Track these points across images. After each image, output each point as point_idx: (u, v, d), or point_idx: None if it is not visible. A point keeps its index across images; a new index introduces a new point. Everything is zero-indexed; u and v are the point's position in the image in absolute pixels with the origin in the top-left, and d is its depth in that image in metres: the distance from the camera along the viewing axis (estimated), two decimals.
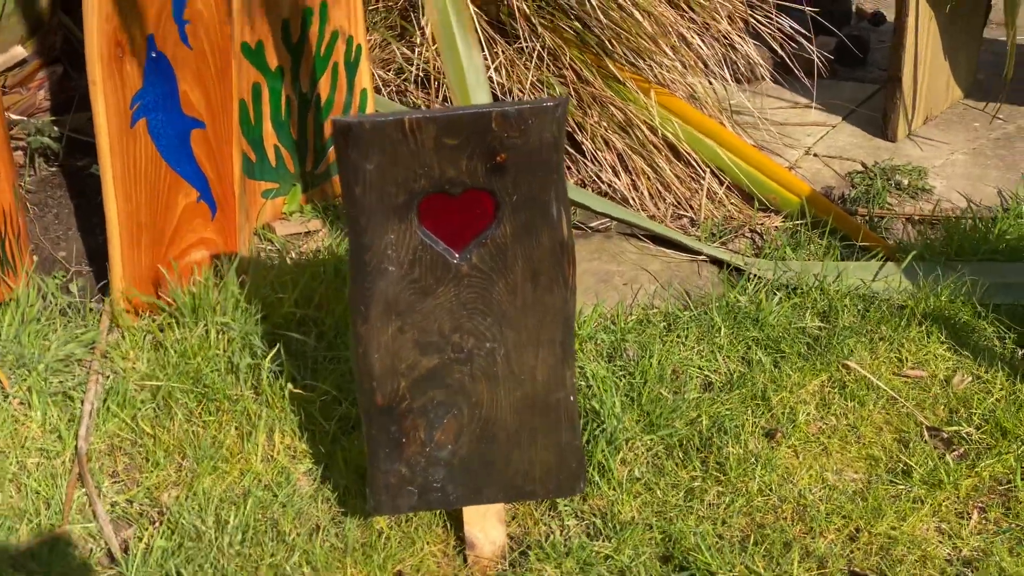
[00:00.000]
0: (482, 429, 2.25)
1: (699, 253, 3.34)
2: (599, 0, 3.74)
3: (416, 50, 3.89)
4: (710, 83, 3.94)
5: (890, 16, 4.65)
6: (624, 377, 2.77)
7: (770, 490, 2.45)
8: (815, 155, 3.93)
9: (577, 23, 3.80)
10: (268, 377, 2.67)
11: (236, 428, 2.59)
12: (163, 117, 2.98)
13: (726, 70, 3.92)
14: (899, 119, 3.93)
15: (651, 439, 2.57)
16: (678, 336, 2.91)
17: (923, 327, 2.92)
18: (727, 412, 2.65)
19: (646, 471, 2.51)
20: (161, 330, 2.87)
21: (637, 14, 3.71)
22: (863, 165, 3.85)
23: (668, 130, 3.70)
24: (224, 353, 2.74)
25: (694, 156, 3.70)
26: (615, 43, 3.80)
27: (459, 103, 3.10)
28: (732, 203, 3.69)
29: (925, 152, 3.93)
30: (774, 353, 2.85)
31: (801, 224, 3.45)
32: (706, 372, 2.79)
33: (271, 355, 2.70)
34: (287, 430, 2.59)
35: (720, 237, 3.50)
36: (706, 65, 3.85)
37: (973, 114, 4.18)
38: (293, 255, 3.32)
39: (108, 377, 2.72)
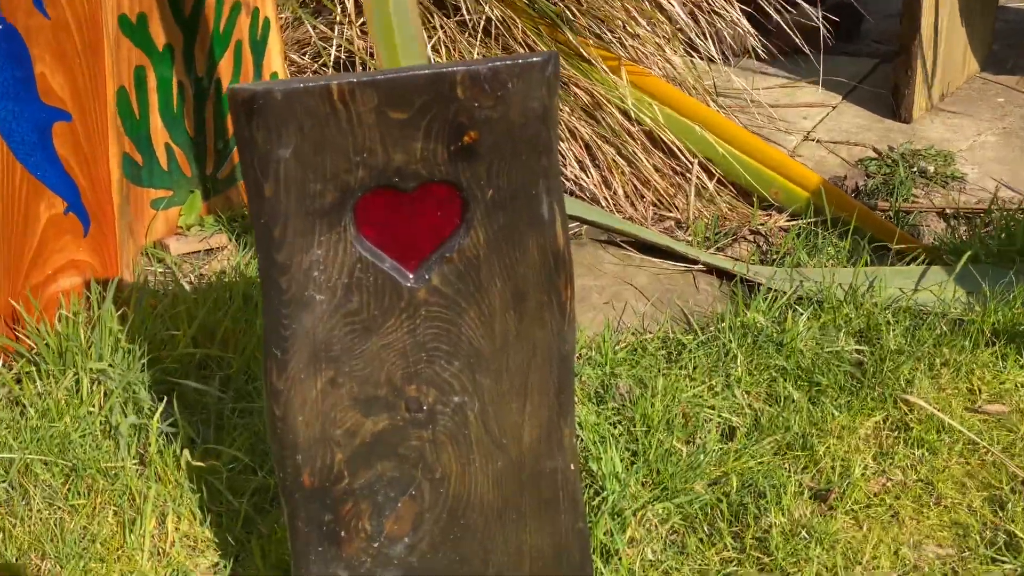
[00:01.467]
0: (450, 514, 1.68)
1: (694, 262, 2.80)
2: None
3: (336, 28, 3.31)
4: (691, 58, 3.40)
5: None
6: (620, 424, 2.22)
7: (833, 575, 1.89)
8: (817, 140, 3.41)
9: None
10: (158, 442, 2.08)
11: (115, 513, 2.00)
12: (15, 107, 2.41)
13: (710, 43, 3.38)
14: (914, 96, 3.43)
15: (665, 508, 2.02)
16: (683, 368, 2.36)
17: (995, 348, 2.38)
18: (760, 468, 2.10)
19: (663, 552, 1.96)
20: (18, 382, 2.26)
21: None
22: (875, 150, 3.33)
23: (645, 114, 3.15)
24: (100, 411, 2.15)
25: (678, 145, 3.16)
26: (577, 12, 3.24)
27: None
28: (725, 200, 3.15)
29: (947, 133, 3.42)
30: (808, 387, 2.31)
31: (813, 223, 2.91)
32: (725, 414, 2.23)
33: (160, 410, 2.11)
34: (184, 513, 2.00)
35: (715, 242, 2.95)
36: (687, 37, 3.31)
37: (994, 88, 3.68)
38: (191, 279, 2.73)
39: None
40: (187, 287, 2.67)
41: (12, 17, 2.33)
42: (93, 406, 2.21)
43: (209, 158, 3.03)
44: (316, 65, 3.38)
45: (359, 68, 3.28)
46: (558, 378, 1.68)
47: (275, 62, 3.08)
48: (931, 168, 3.19)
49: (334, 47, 3.29)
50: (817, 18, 3.36)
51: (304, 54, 3.44)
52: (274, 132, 1.52)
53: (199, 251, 2.95)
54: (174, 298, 2.52)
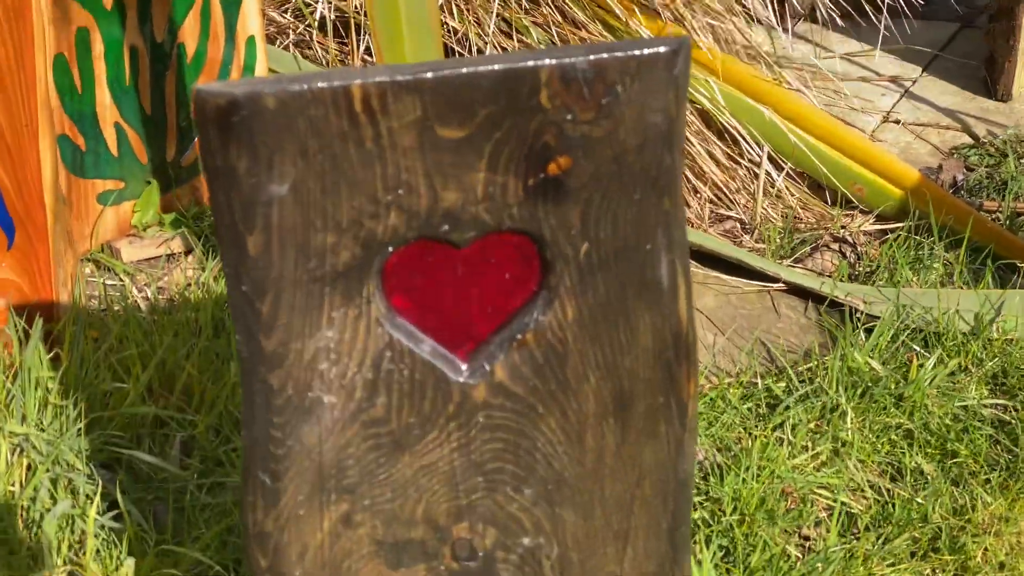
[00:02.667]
0: None
1: (772, 279, 2.30)
2: None
3: None
4: (748, 22, 2.90)
5: None
6: (704, 506, 1.72)
7: None
8: (898, 122, 2.90)
9: None
10: (100, 542, 1.57)
11: None
12: None
13: (768, 5, 2.88)
14: (1015, 69, 2.92)
15: None
16: (776, 428, 1.86)
17: None
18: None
19: None
20: None
21: None
22: (972, 136, 2.84)
23: (701, 93, 2.64)
24: (19, 496, 1.64)
25: (740, 130, 2.65)
26: None
27: (390, 58, 2.02)
28: (797, 197, 2.65)
29: None
30: (941, 457, 1.81)
31: (911, 229, 2.42)
32: (837, 495, 1.74)
33: (99, 494, 1.61)
34: None
35: (791, 251, 2.45)
36: None
37: None
38: (148, 294, 2.22)
39: None
40: (142, 309, 2.16)
41: None
42: (13, 483, 1.70)
43: (170, 141, 2.52)
44: (301, 26, 2.87)
45: (354, 33, 2.77)
46: (674, 512, 1.19)
47: (252, 24, 2.57)
48: None
49: (321, 4, 2.77)
50: None
51: (284, 11, 2.93)
52: (263, 159, 1.02)
53: (158, 257, 2.44)
54: (124, 327, 2.01)
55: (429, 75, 1.02)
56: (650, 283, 1.12)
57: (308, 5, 2.87)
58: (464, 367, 1.12)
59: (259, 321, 1.07)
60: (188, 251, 2.48)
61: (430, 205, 1.05)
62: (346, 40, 2.82)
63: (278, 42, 2.85)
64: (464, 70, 1.02)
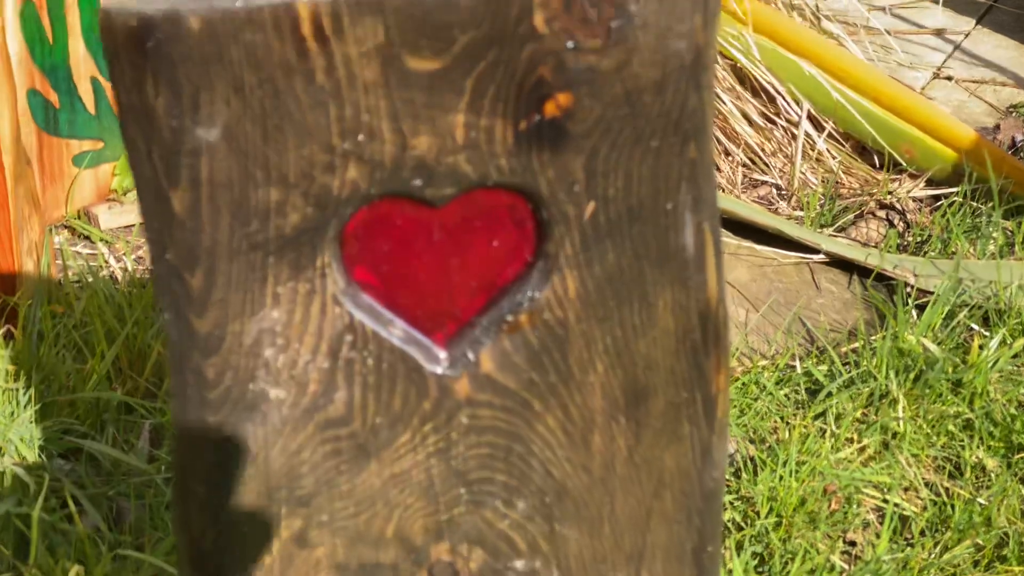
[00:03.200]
0: None
1: (812, 250, 2.09)
2: None
3: None
4: None
5: None
6: (735, 506, 1.52)
7: None
8: (950, 79, 2.68)
9: None
10: (42, 543, 1.39)
11: None
12: None
13: None
14: None
15: None
16: (818, 417, 1.66)
17: None
18: None
19: None
20: None
21: None
22: None
23: (734, 45, 2.43)
24: None
25: (777, 86, 2.44)
26: None
27: None
28: (839, 160, 2.43)
29: None
30: (1006, 451, 1.61)
31: (967, 195, 2.21)
32: (887, 495, 1.54)
33: (43, 489, 1.43)
34: None
35: (832, 219, 2.24)
36: None
37: None
38: (126, 265, 2.03)
39: None
40: (118, 280, 1.98)
41: None
42: None
43: None
44: None
45: None
46: (699, 530, 0.99)
47: None
48: None
49: None
50: None
51: None
52: (187, 97, 0.83)
53: (136, 224, 2.26)
54: (90, 302, 1.82)
55: None
56: (672, 251, 0.92)
57: None
58: (443, 355, 0.92)
59: (189, 297, 0.88)
60: None
61: (398, 154, 0.86)
62: None
63: None
64: None
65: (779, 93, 2.46)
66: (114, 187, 2.34)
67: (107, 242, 2.22)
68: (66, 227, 2.27)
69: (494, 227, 0.90)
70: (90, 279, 1.96)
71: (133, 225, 2.27)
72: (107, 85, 2.25)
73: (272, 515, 0.94)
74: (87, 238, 2.24)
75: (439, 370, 0.92)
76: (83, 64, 2.23)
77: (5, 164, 1.87)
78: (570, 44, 0.84)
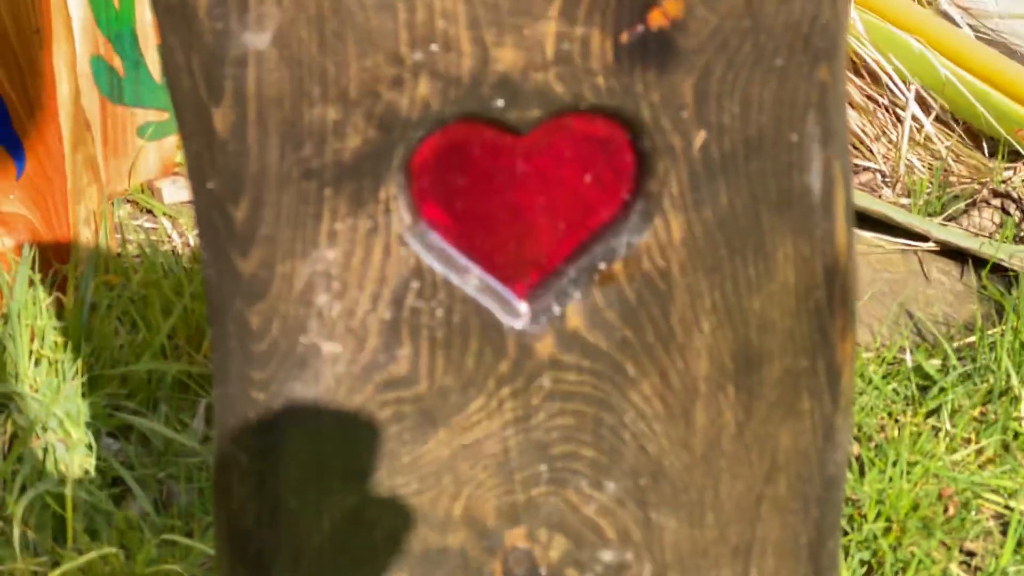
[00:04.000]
0: None
1: (921, 238, 1.95)
2: None
3: None
4: None
5: None
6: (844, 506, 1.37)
7: None
8: None
9: None
10: (81, 532, 1.29)
11: None
12: None
13: None
14: None
15: None
16: (932, 414, 1.52)
17: None
18: None
19: None
20: None
21: None
22: None
23: None
24: (5, 459, 1.37)
25: (884, 64, 2.29)
26: None
27: None
28: (948, 146, 2.28)
29: None
30: None
31: None
32: (1010, 501, 1.39)
33: (92, 469, 1.34)
34: None
35: (942, 207, 2.10)
36: None
37: None
38: (189, 240, 1.94)
39: None
40: (180, 252, 1.88)
41: None
42: None
43: None
44: None
45: None
46: (817, 521, 0.86)
47: None
48: None
49: None
50: None
51: None
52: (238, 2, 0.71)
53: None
54: (148, 275, 1.73)
55: None
56: (795, 193, 0.79)
57: None
58: (524, 309, 0.80)
59: (232, 232, 0.76)
60: None
61: (477, 68, 0.74)
62: None
63: None
64: None
65: (884, 72, 2.31)
66: (179, 161, 2.25)
67: (170, 216, 2.13)
68: (129, 201, 2.18)
69: (587, 159, 0.78)
70: (149, 252, 1.86)
71: None
72: None
73: (324, 489, 0.82)
74: (150, 212, 2.15)
75: (519, 325, 0.80)
76: (150, 32, 2.14)
77: (64, 129, 1.78)
78: None
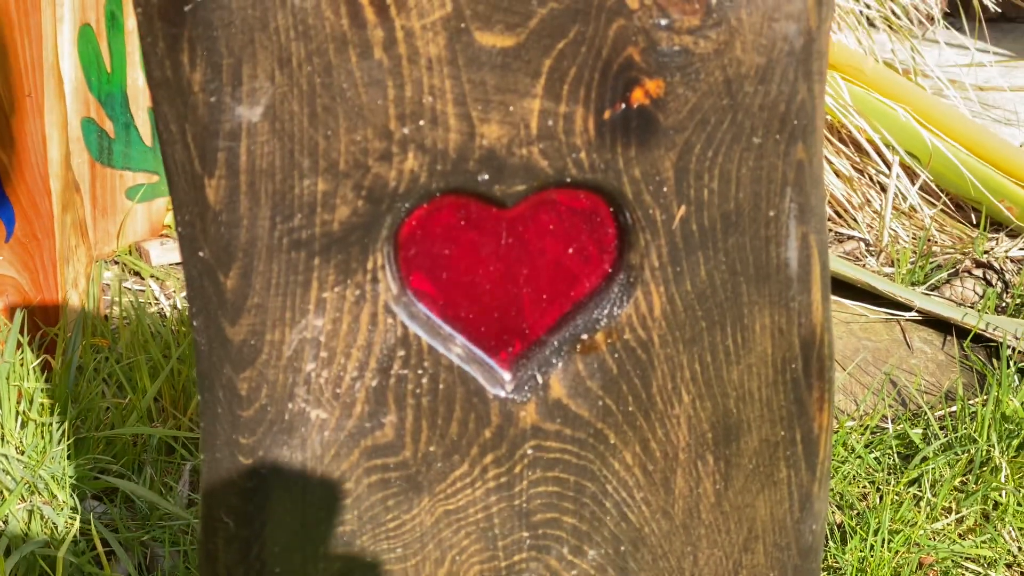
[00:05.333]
0: None
1: (904, 307, 1.97)
2: None
3: None
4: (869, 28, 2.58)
5: None
6: None
7: None
8: None
9: None
10: None
11: None
12: None
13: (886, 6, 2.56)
14: None
15: None
16: (911, 483, 1.54)
17: None
18: None
19: None
20: None
21: None
22: None
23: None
24: None
25: (869, 132, 2.33)
26: None
27: None
28: (932, 216, 2.32)
29: None
30: None
31: None
32: (990, 571, 1.41)
33: (72, 531, 1.34)
34: None
35: (925, 276, 2.13)
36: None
37: None
38: (177, 303, 1.95)
39: None
40: (167, 316, 1.89)
41: None
42: None
43: None
44: None
45: None
46: None
47: None
48: None
49: None
50: None
51: None
52: (228, 70, 0.73)
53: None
54: (135, 336, 1.74)
55: None
56: (773, 266, 0.81)
57: None
58: (507, 377, 0.82)
59: (223, 300, 0.78)
60: None
61: (464, 143, 0.76)
62: None
63: None
64: None
65: (870, 141, 2.35)
66: (167, 223, 2.27)
67: (157, 278, 2.15)
68: (116, 262, 2.20)
69: (570, 232, 0.80)
70: (136, 314, 1.88)
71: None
72: None
73: (309, 555, 0.84)
74: (137, 274, 2.17)
75: (503, 394, 0.82)
76: (141, 94, 2.17)
77: (53, 191, 1.80)
78: (663, 21, 0.75)
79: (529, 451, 0.83)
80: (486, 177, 0.77)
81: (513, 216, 0.79)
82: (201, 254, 0.78)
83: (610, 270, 0.81)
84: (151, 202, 2.25)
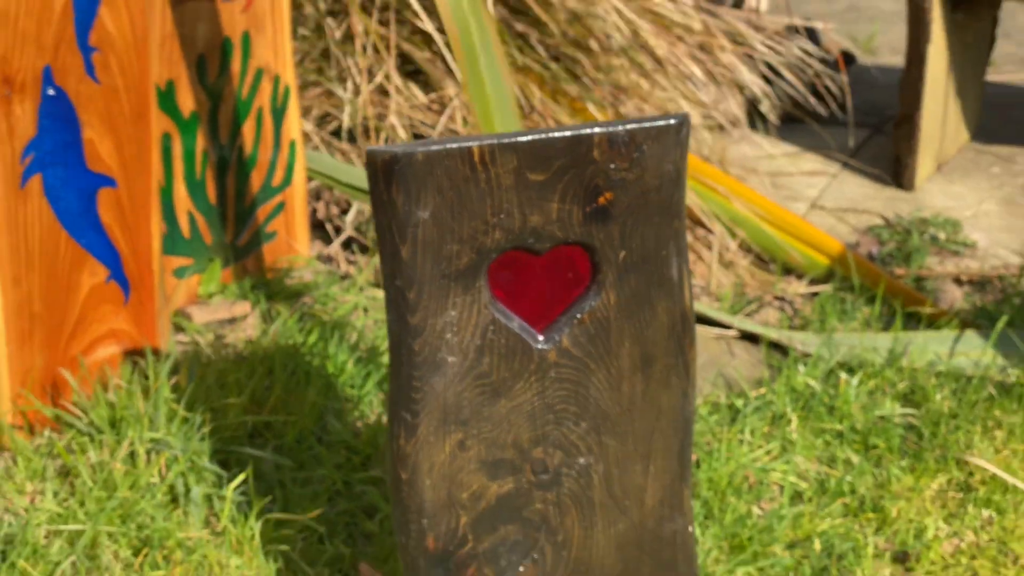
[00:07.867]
0: None
1: (727, 327, 2.83)
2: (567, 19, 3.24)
3: (347, 91, 3.32)
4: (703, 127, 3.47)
5: (867, 56, 4.26)
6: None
7: None
8: (822, 207, 3.48)
9: (545, 54, 3.30)
10: (231, 510, 2.05)
11: None
12: (63, 173, 2.39)
13: (731, 103, 3.45)
14: (916, 165, 3.52)
15: (747, 573, 2.03)
16: (740, 432, 2.38)
17: None
18: (834, 530, 2.12)
19: None
20: (71, 452, 2.23)
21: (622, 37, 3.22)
22: (883, 218, 3.41)
23: None
24: (163, 481, 2.12)
25: (703, 208, 3.20)
26: (592, 79, 3.29)
27: (486, 129, 2.53)
28: (744, 267, 3.19)
29: (949, 202, 3.52)
30: (865, 450, 2.34)
31: (838, 290, 2.98)
32: (789, 478, 2.25)
33: (230, 478, 2.09)
34: None
35: (741, 308, 2.99)
36: (703, 107, 3.38)
37: (987, 158, 3.79)
38: (228, 349, 2.71)
39: (2, 522, 2.07)
40: (227, 356, 2.65)
41: (64, 82, 2.32)
42: (155, 475, 2.18)
43: (229, 226, 3.02)
44: (323, 131, 3.39)
45: (373, 136, 3.30)
46: (681, 440, 1.70)
47: (293, 129, 3.08)
48: (941, 235, 3.27)
49: (346, 114, 3.29)
50: (819, 88, 3.45)
51: (307, 118, 3.43)
52: (413, 194, 1.53)
53: (223, 320, 2.93)
54: (215, 367, 2.51)
55: (522, 139, 1.55)
56: (665, 278, 1.64)
57: (328, 115, 3.40)
58: (541, 338, 1.63)
59: (407, 305, 1.58)
60: (245, 315, 2.96)
61: (521, 225, 1.58)
62: (367, 144, 3.35)
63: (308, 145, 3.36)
64: (546, 135, 1.55)
65: (703, 214, 3.22)
66: (200, 292, 3.01)
67: (200, 333, 2.89)
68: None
69: (570, 266, 1.62)
70: (208, 357, 2.63)
71: (220, 320, 2.94)
72: (198, 216, 2.93)
73: (446, 431, 1.63)
74: (182, 330, 2.91)
75: (539, 346, 1.63)
76: (183, 201, 2.91)
77: (154, 269, 2.56)
78: (612, 166, 1.57)
79: (552, 373, 1.64)
80: (531, 240, 1.59)
81: (544, 258, 1.61)
82: (397, 283, 1.58)
83: (589, 283, 1.63)
84: (190, 279, 2.99)
